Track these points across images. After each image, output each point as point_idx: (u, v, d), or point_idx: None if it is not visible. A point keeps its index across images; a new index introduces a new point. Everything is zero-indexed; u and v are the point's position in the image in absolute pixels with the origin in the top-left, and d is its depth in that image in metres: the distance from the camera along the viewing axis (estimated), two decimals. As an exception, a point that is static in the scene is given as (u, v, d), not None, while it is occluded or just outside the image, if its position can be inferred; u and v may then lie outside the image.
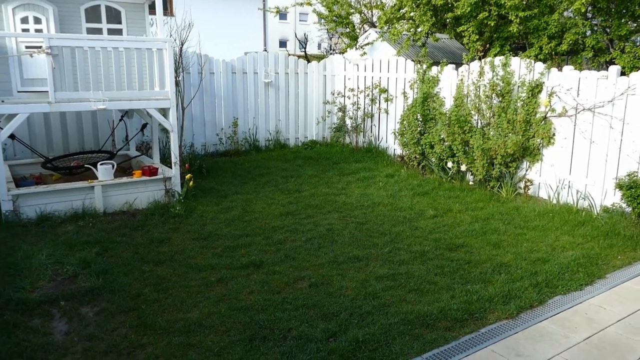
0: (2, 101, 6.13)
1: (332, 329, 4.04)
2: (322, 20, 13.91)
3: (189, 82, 9.88)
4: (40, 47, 6.25)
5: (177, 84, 7.63)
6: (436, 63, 9.52)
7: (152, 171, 7.16)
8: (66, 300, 4.40)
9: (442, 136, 8.53)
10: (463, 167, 8.22)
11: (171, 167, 7.35)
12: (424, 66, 9.26)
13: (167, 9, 7.24)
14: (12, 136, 7.08)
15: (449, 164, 8.43)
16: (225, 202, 7.33)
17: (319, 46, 39.73)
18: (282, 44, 41.66)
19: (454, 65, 8.96)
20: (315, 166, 9.73)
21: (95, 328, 4.00)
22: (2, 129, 6.17)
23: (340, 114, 11.43)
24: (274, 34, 38.47)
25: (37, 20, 6.79)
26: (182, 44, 9.01)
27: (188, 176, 7.26)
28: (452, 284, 4.87)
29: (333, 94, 11.58)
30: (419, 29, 10.67)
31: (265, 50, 17.04)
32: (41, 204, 6.36)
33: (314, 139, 11.70)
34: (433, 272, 5.13)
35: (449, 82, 8.87)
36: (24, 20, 6.73)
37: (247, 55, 10.78)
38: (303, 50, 28.45)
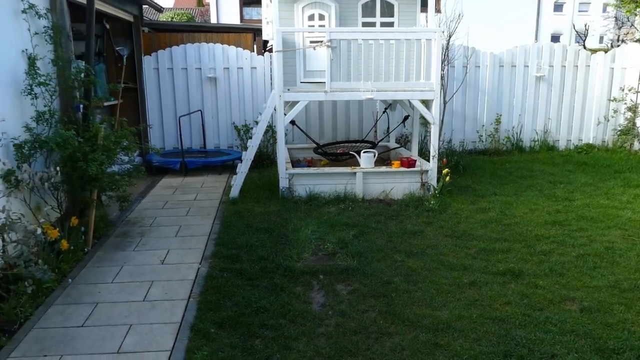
0: (288, 89, 6.94)
1: (611, 368, 3.29)
2: (614, 3, 11.87)
3: (452, 75, 9.64)
4: (321, 41, 6.84)
5: (441, 77, 7.46)
6: None
7: (411, 163, 7.17)
8: (324, 275, 4.68)
9: None
10: None
11: (428, 161, 7.23)
12: None
13: (436, 6, 7.15)
14: (292, 122, 7.98)
15: None
16: (481, 202, 6.85)
17: (601, 39, 34.59)
18: (555, 38, 37.63)
19: None
20: (591, 173, 8.36)
21: (348, 306, 4.12)
22: (286, 114, 7.00)
23: (629, 114, 9.60)
24: (545, 28, 35.16)
25: (321, 17, 7.48)
26: (450, 37, 8.80)
27: (445, 171, 7.03)
28: None
29: (622, 90, 9.77)
30: None
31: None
32: (310, 184, 7.00)
33: (591, 142, 10.11)
34: None
35: None
36: (311, 17, 7.49)
37: (519, 47, 9.94)
38: (581, 44, 25.18)
